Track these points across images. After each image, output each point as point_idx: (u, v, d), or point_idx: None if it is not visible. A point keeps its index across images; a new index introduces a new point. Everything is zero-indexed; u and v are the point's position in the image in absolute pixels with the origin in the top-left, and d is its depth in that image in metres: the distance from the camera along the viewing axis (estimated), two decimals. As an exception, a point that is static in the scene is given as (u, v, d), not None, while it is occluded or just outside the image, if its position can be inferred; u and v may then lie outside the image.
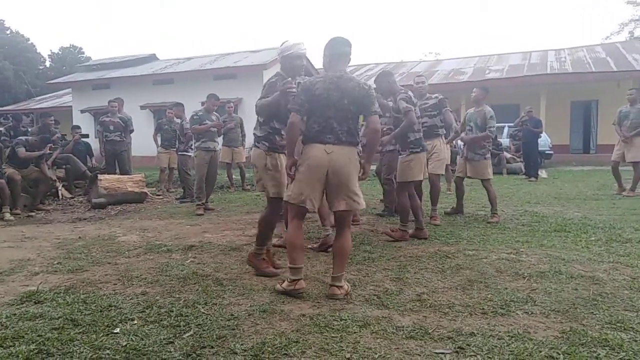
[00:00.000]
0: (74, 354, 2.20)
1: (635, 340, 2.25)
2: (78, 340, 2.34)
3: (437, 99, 5.47)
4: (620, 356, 2.11)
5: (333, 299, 2.90)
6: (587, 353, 2.14)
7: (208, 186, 7.01)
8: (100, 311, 2.74)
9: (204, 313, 2.69)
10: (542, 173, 11.74)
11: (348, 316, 2.60)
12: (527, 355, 2.13)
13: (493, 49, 58.03)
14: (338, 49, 3.09)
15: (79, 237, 5.08)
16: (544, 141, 13.25)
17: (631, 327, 2.40)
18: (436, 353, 2.17)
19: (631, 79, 16.18)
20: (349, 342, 2.29)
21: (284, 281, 3.06)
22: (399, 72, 21.20)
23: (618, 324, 2.44)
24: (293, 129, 3.00)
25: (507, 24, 73.27)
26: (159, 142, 9.48)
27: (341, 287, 2.95)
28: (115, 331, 2.45)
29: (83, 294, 3.05)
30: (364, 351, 2.19)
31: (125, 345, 2.28)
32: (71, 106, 20.54)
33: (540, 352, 2.16)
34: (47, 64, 43.97)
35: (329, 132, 2.96)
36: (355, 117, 3.04)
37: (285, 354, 2.18)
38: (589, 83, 17.00)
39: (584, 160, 16.24)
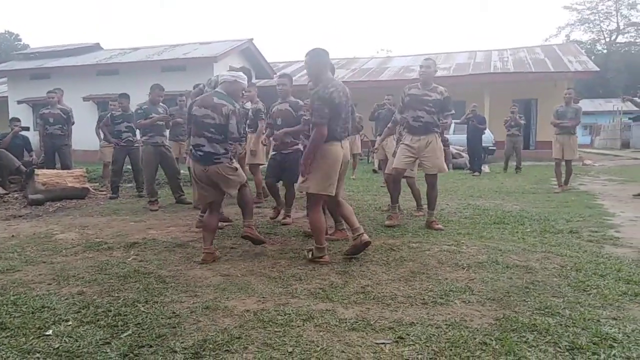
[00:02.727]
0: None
1: (561, 325, 2.40)
2: (5, 344, 2.22)
3: (443, 96, 4.84)
4: (547, 340, 2.24)
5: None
6: (517, 338, 2.26)
7: (172, 181, 6.98)
8: (32, 313, 2.61)
9: (143, 312, 2.61)
10: (485, 168, 12.25)
11: (292, 310, 2.61)
12: (462, 342, 2.22)
13: (441, 47, 59.90)
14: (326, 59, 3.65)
15: (12, 236, 4.80)
16: (488, 137, 13.78)
17: (558, 312, 2.55)
18: (377, 343, 2.22)
19: (566, 80, 17.16)
20: (292, 336, 2.30)
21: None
22: (351, 68, 21.40)
23: (546, 310, 2.59)
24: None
25: (455, 23, 75.72)
26: (102, 136, 9.07)
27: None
28: (47, 333, 2.35)
29: (13, 295, 2.89)
30: (306, 344, 2.21)
31: (58, 348, 2.18)
32: (7, 96, 19.28)
33: (475, 339, 2.26)
34: (-21, 50, 41.00)
35: (344, 131, 3.64)
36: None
37: (227, 350, 2.16)
38: (529, 82, 17.87)
39: (524, 156, 16.95)
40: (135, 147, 7.60)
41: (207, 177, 3.70)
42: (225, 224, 4.97)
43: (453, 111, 5.03)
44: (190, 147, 3.86)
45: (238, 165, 3.87)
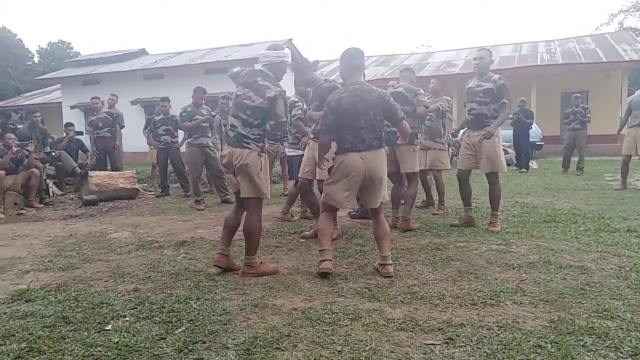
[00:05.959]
0: (65, 351, 2.21)
1: (622, 328, 2.29)
2: (69, 337, 2.35)
3: (496, 84, 4.49)
4: (607, 344, 2.15)
5: (387, 276, 3.19)
6: (575, 341, 2.18)
7: (216, 181, 7.14)
8: (92, 308, 2.74)
9: (195, 308, 2.70)
10: (533, 164, 11.83)
11: (339, 309, 2.62)
12: (515, 345, 2.16)
13: (484, 40, 58.21)
14: (354, 61, 3.39)
15: (70, 235, 5.06)
16: (535, 132, 13.27)
17: (618, 316, 2.43)
18: (426, 344, 2.20)
19: (620, 70, 16.30)
20: (340, 335, 2.31)
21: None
22: (391, 65, 21.17)
23: (605, 313, 2.48)
24: (324, 148, 3.42)
25: (498, 15, 73.48)
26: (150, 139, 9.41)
27: (390, 265, 3.27)
28: (107, 328, 2.46)
29: (74, 292, 3.05)
30: (355, 343, 2.21)
31: (117, 342, 2.29)
32: (61, 102, 20.33)
33: (529, 341, 2.19)
34: (36, 59, 43.38)
35: (361, 142, 3.28)
36: (381, 124, 3.36)
37: (277, 347, 2.20)
38: (579, 74, 17.08)
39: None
40: (174, 149, 7.88)
41: (230, 161, 3.36)
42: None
43: (506, 100, 4.52)
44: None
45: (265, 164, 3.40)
